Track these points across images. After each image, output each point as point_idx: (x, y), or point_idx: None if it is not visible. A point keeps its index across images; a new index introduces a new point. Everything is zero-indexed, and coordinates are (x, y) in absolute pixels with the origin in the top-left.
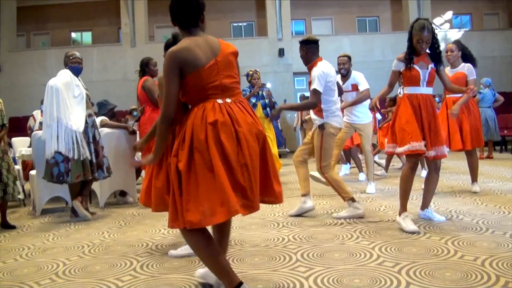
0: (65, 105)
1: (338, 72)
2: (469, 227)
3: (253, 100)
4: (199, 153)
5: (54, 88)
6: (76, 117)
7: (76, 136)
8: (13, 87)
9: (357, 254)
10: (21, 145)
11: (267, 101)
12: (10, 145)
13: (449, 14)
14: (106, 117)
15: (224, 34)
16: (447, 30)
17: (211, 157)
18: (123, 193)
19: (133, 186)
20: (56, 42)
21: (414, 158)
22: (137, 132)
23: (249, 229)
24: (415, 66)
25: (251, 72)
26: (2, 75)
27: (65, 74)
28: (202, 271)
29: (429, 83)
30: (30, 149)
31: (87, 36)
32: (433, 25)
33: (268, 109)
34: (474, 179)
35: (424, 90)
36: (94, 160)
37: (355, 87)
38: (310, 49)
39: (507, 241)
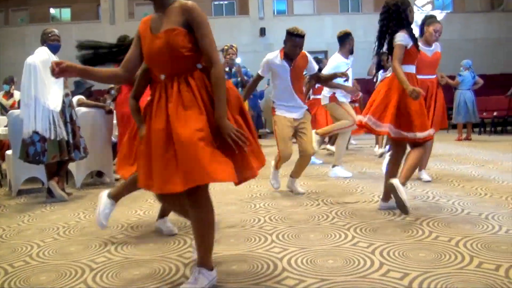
0: (43, 84)
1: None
2: (444, 208)
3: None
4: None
5: (32, 66)
6: (53, 96)
7: (53, 116)
8: None
9: (332, 235)
10: None
11: (239, 79)
12: None
13: None
14: (83, 96)
15: (205, 13)
16: (429, 12)
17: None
18: (100, 174)
19: (110, 166)
20: (35, 19)
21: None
22: (114, 111)
23: (225, 210)
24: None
25: (226, 47)
26: None
27: (43, 52)
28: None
29: None
30: (6, 128)
31: (66, 13)
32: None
33: (240, 88)
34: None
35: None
36: (71, 141)
37: None
38: None
39: (482, 222)
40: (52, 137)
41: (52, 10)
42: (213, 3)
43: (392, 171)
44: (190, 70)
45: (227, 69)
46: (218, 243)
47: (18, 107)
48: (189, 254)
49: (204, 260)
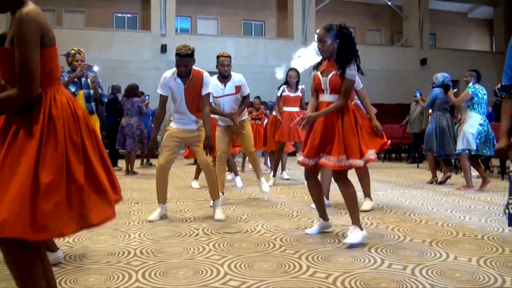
0: None
1: (221, 74)
2: (326, 239)
3: (72, 89)
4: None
5: None
6: None
7: None
8: None
9: (203, 271)
10: None
11: (92, 91)
12: None
13: None
14: None
15: (106, 24)
16: None
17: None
18: None
19: None
20: None
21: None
22: None
23: (96, 241)
24: (318, 73)
25: (73, 52)
26: None
27: None
28: None
29: (334, 91)
30: None
31: None
32: (331, 31)
33: (93, 102)
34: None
35: (327, 97)
36: None
37: (238, 89)
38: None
39: (364, 255)
40: None
41: None
42: (115, 15)
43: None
44: None
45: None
46: (76, 283)
47: None
48: None
49: None
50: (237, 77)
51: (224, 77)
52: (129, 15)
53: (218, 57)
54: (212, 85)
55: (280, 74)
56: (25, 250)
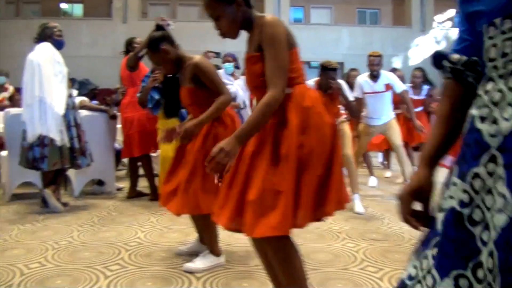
0: (48, 84)
1: (371, 73)
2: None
3: (156, 96)
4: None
5: (36, 63)
6: (57, 97)
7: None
8: None
9: (363, 285)
10: None
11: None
12: None
13: (451, 12)
14: (86, 98)
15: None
16: (449, 29)
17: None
18: (100, 182)
19: (112, 175)
20: (46, 12)
21: None
22: (118, 116)
23: (238, 238)
24: None
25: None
26: None
27: (47, 48)
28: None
29: None
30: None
31: (78, 8)
32: None
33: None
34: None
35: None
36: (76, 146)
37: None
38: None
39: None
40: (59, 143)
41: (64, 5)
42: None
43: None
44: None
45: None
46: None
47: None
48: None
49: None
50: (387, 75)
51: (373, 76)
52: None
53: (368, 56)
54: (363, 81)
55: (397, 64)
56: (292, 246)
